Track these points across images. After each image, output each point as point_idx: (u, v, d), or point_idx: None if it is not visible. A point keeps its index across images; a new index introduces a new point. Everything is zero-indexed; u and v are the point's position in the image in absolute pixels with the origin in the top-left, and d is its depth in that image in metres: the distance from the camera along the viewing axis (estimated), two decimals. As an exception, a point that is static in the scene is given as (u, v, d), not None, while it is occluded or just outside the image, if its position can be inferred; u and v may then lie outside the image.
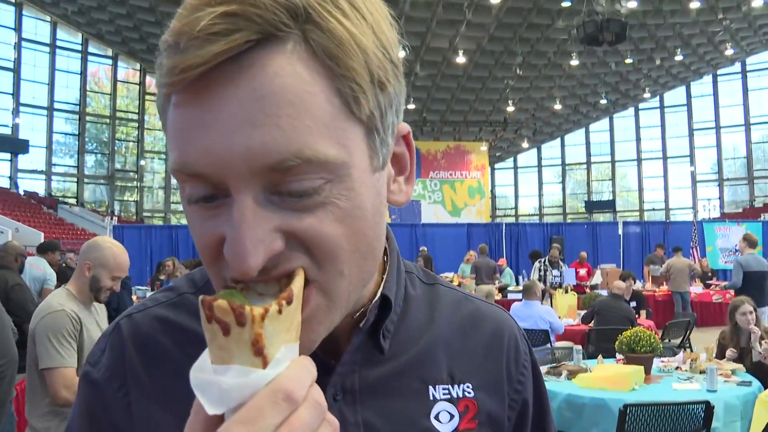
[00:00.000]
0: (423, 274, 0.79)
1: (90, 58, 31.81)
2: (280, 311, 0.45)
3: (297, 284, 0.49)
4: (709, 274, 15.21)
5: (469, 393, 0.71)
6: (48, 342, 2.75)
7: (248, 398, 0.43)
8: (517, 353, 0.78)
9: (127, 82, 33.66)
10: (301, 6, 0.50)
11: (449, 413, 0.69)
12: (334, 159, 0.51)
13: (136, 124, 33.83)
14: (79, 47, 31.13)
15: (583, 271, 14.02)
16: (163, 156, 34.46)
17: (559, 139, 40.07)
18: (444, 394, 0.70)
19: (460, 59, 26.66)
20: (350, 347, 0.64)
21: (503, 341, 0.77)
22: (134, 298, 8.64)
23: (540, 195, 40.87)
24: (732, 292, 14.21)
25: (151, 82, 33.71)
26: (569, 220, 35.85)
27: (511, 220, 37.51)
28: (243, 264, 0.49)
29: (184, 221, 33.51)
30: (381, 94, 0.55)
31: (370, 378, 0.66)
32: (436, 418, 0.68)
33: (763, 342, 5.33)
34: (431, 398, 0.69)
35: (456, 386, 0.71)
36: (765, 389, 4.48)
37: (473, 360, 0.73)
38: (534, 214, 40.41)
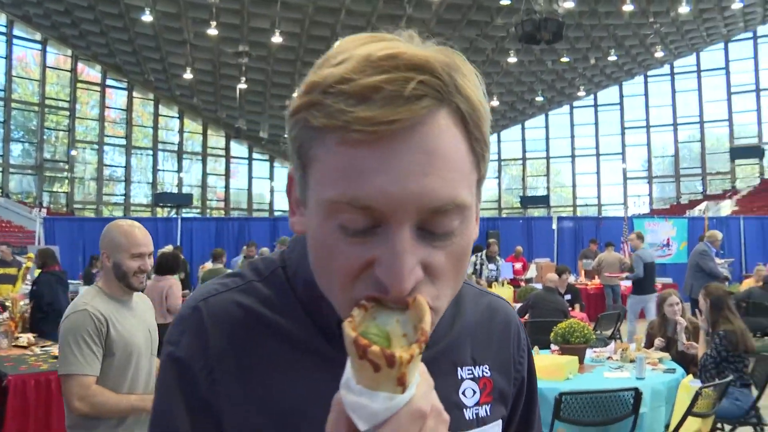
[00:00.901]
0: None
1: (16, 41, 30.44)
2: (420, 353, 0.55)
3: (427, 321, 0.58)
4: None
5: (486, 373, 0.85)
6: (67, 345, 2.51)
7: (390, 416, 0.54)
8: (519, 339, 0.92)
9: (58, 69, 32.41)
10: (452, 78, 0.62)
11: (473, 389, 0.83)
12: (469, 205, 0.64)
13: (67, 113, 32.64)
14: (3, 29, 29.78)
15: (518, 265, 14.31)
16: (95, 146, 33.45)
17: (495, 135, 40.65)
18: (468, 374, 0.83)
19: (400, 54, 26.72)
20: None
21: (511, 329, 0.91)
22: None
23: (477, 190, 41.44)
24: (659, 285, 14.79)
25: (84, 69, 32.69)
26: (504, 215, 36.43)
27: (449, 214, 37.85)
28: (400, 285, 0.59)
29: (117, 213, 32.73)
30: (488, 158, 0.69)
31: None
32: (463, 393, 0.82)
33: (685, 333, 5.58)
34: (459, 377, 0.83)
35: (477, 367, 0.85)
36: (687, 375, 4.68)
37: (490, 345, 0.88)
38: (471, 209, 40.92)
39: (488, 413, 0.83)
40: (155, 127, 35.51)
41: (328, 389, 0.63)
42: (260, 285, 0.78)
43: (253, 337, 0.74)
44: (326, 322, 0.74)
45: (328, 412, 0.61)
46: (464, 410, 0.81)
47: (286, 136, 0.70)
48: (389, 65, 0.58)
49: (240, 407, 0.73)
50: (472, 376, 0.83)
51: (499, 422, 0.85)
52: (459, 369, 0.83)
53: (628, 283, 14.38)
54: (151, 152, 35.49)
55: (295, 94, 0.66)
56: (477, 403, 0.82)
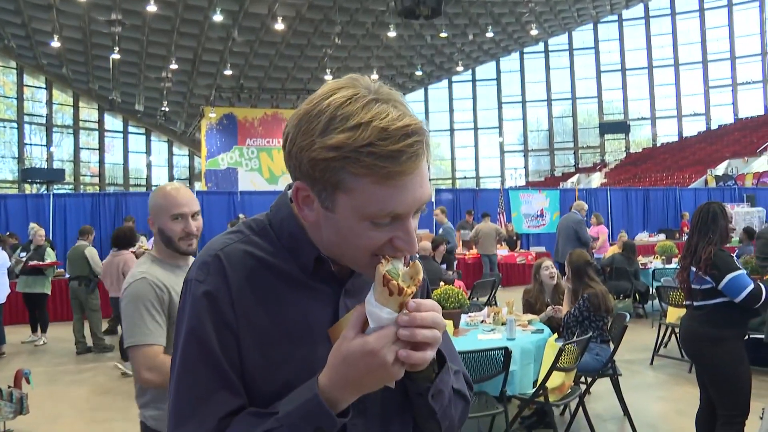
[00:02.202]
0: None
1: None
2: (414, 292, 0.93)
3: (420, 275, 0.96)
4: (514, 238, 16.43)
5: None
6: (129, 316, 2.34)
7: (389, 324, 0.92)
8: None
9: None
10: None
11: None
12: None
13: None
14: None
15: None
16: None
17: (376, 109, 40.84)
18: None
19: (279, 26, 26.26)
20: (355, 274, 1.10)
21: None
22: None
23: (358, 163, 41.51)
24: (533, 253, 15.55)
25: None
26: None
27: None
28: (414, 248, 1.00)
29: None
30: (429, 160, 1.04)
31: (353, 287, 1.11)
32: None
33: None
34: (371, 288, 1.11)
35: None
36: (553, 335, 5.02)
37: None
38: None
39: None
40: (20, 98, 33.27)
41: (310, 308, 1.07)
42: (256, 238, 1.10)
43: (259, 274, 1.06)
44: (306, 261, 1.07)
45: (313, 324, 1.05)
46: None
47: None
48: (402, 134, 0.92)
49: (255, 325, 1.03)
50: None
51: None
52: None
53: (504, 252, 15.11)
54: (15, 125, 33.28)
55: (318, 141, 0.94)
56: None
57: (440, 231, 12.35)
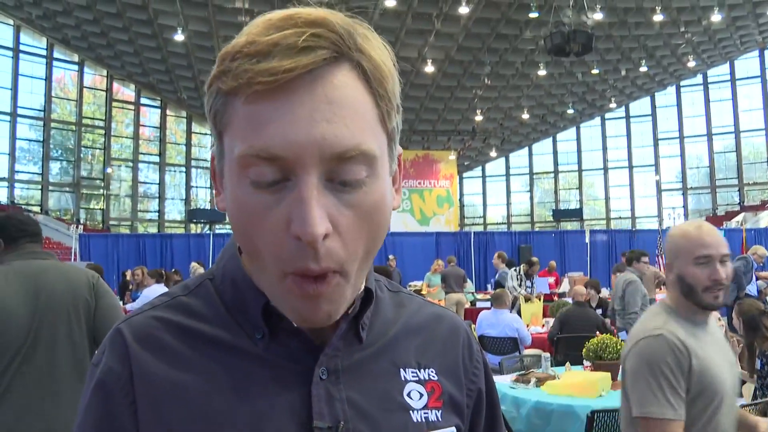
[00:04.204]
0: (388, 283, 0.89)
1: (55, 63, 31.23)
2: None
3: None
4: (674, 282, 15.41)
5: (433, 377, 0.81)
6: (643, 379, 1.94)
7: None
8: (471, 348, 0.89)
9: (94, 89, 33.15)
10: (353, 36, 0.65)
11: (419, 392, 0.79)
12: (377, 156, 0.66)
13: (103, 132, 33.28)
14: (44, 52, 30.58)
15: (551, 280, 14.16)
16: (130, 164, 34.01)
17: (526, 149, 40.41)
18: (413, 376, 0.80)
19: (429, 68, 26.77)
20: (338, 331, 0.74)
21: (459, 336, 0.88)
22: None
23: (508, 204, 41.12)
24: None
25: (119, 89, 33.32)
26: (537, 229, 36.15)
27: (480, 228, 37.72)
28: (312, 229, 0.61)
29: (151, 229, 33.17)
30: (397, 115, 0.72)
31: (350, 362, 0.75)
32: (408, 395, 0.78)
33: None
34: (402, 379, 0.79)
35: (422, 370, 0.81)
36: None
37: (435, 350, 0.84)
38: (502, 223, 40.64)
39: (439, 418, 0.79)
40: (188, 144, 35.97)
41: (257, 386, 0.71)
42: (185, 298, 0.77)
43: (175, 346, 0.73)
44: (252, 320, 0.74)
45: (257, 410, 0.69)
46: (411, 412, 0.77)
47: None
48: (287, 24, 0.63)
49: (170, 424, 0.69)
50: (417, 378, 0.80)
51: (453, 430, 0.81)
52: (401, 370, 0.79)
53: (663, 297, 14.18)
54: (184, 169, 35.93)
55: None
56: (425, 407, 0.79)
57: (496, 276, 11.83)
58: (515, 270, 12.34)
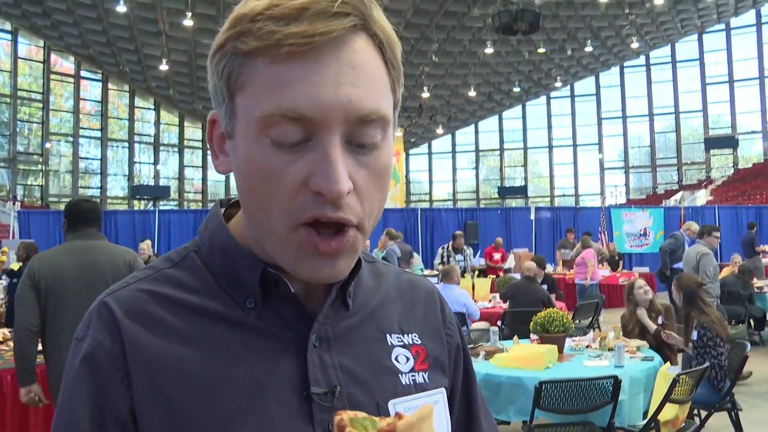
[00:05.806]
0: (363, 254, 0.87)
1: (-15, 32, 29.91)
2: None
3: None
4: (616, 258, 15.85)
5: (416, 341, 0.85)
6: None
7: None
8: (444, 309, 0.93)
9: (30, 60, 31.85)
10: (370, 7, 0.68)
11: (405, 356, 0.82)
12: (390, 120, 0.70)
13: (40, 105, 32.13)
14: (-25, 21, 29.25)
15: (497, 255, 14.39)
16: (70, 138, 32.98)
17: (473, 126, 40.71)
18: (398, 341, 0.83)
19: (378, 45, 26.61)
20: (328, 299, 0.76)
21: (435, 299, 0.93)
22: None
23: (454, 180, 41.41)
24: (636, 274, 14.97)
25: (57, 60, 32.17)
26: (482, 206, 36.54)
27: (426, 205, 37.96)
28: (337, 185, 0.64)
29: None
30: (402, 86, 0.74)
31: (339, 329, 0.77)
32: (396, 359, 0.81)
33: (660, 318, 5.63)
34: (389, 344, 0.82)
35: (405, 335, 0.84)
36: (665, 363, 4.74)
37: (415, 315, 0.88)
38: (448, 200, 40.94)
39: (426, 380, 0.82)
40: (131, 119, 35.12)
41: (253, 355, 0.71)
42: (171, 270, 0.77)
43: (167, 318, 0.72)
44: (245, 288, 0.74)
45: (255, 378, 0.70)
46: (400, 375, 0.80)
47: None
48: None
49: (165, 396, 0.69)
50: (402, 343, 0.83)
51: (442, 390, 0.84)
52: (388, 336, 0.82)
53: (606, 273, 14.58)
54: (127, 144, 35.10)
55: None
56: (412, 369, 0.82)
57: (383, 254, 11.23)
58: (442, 248, 12.51)
